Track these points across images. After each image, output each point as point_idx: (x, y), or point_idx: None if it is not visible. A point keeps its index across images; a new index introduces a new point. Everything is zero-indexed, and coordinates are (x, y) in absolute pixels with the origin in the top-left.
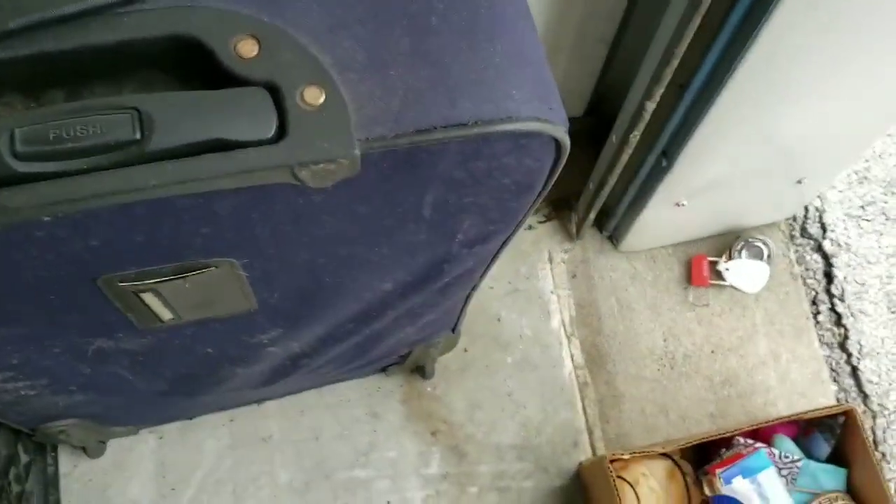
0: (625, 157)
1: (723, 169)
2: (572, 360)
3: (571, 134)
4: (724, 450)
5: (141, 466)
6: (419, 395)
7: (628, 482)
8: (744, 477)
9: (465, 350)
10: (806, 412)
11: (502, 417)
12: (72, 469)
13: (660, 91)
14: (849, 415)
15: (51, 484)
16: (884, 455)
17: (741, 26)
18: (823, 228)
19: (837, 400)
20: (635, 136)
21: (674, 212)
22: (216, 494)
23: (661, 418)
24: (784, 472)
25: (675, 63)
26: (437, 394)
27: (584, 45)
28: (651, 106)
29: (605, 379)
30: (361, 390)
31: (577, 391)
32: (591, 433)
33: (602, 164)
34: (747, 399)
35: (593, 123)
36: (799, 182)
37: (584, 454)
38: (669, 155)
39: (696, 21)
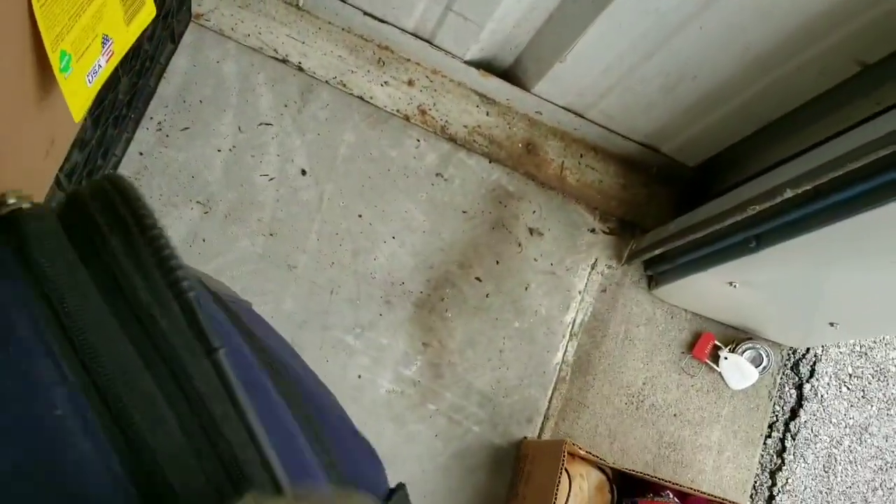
0: (728, 221)
1: (791, 278)
2: (565, 355)
3: (672, 178)
4: (650, 494)
5: (176, 227)
6: (431, 309)
7: (568, 474)
8: None
9: (487, 296)
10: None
11: (485, 366)
12: None
13: (807, 186)
14: None
15: None
16: None
17: None
18: (812, 373)
19: None
20: (754, 209)
21: (721, 288)
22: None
23: (606, 441)
24: None
25: (840, 172)
26: (447, 316)
27: (740, 115)
28: (789, 193)
29: (581, 385)
30: (387, 276)
31: (554, 381)
32: (546, 419)
33: (698, 215)
34: (681, 468)
35: (697, 179)
36: (832, 325)
37: (532, 433)
38: (762, 241)
39: (884, 152)
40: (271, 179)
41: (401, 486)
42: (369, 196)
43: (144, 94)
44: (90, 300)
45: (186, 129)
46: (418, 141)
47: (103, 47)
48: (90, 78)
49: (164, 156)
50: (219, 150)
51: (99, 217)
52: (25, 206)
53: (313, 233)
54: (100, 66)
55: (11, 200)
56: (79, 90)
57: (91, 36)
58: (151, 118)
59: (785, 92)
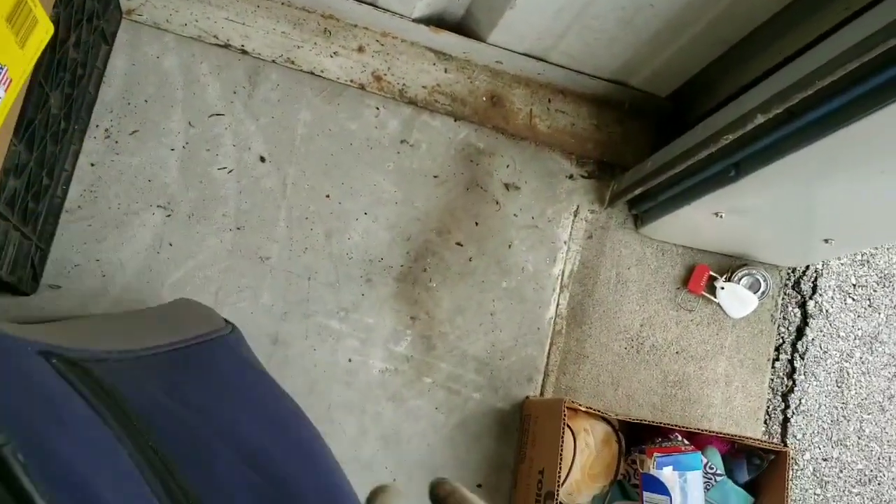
0: (703, 154)
1: (776, 200)
2: (557, 308)
3: (646, 111)
4: (659, 439)
5: (141, 235)
6: (414, 281)
7: (572, 431)
8: (674, 469)
9: (470, 259)
10: (746, 438)
11: (478, 331)
12: (75, 208)
13: (777, 110)
14: (781, 456)
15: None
16: None
17: (886, 86)
18: (814, 290)
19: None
20: (727, 139)
21: (708, 219)
22: (199, 288)
23: (610, 389)
24: (704, 479)
25: (811, 91)
26: (431, 286)
27: (704, 39)
28: (761, 119)
29: (578, 336)
30: (364, 255)
31: (550, 336)
32: (546, 376)
33: (673, 150)
34: (689, 405)
35: (671, 108)
36: (826, 241)
37: (534, 392)
38: (741, 169)
39: (854, 64)
40: (230, 171)
41: None
42: (334, 174)
43: (84, 102)
44: None
45: (136, 132)
46: (377, 109)
47: None
48: None
49: (116, 163)
50: (172, 150)
51: None
52: None
53: (282, 220)
54: None
55: None
56: None
57: None
58: (97, 126)
59: (749, 9)
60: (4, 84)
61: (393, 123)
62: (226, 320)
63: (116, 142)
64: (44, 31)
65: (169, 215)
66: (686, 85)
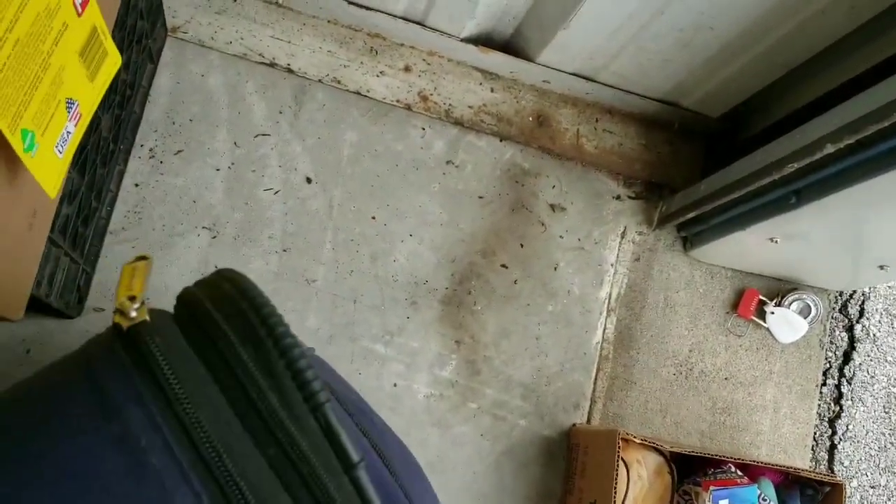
0: (764, 181)
1: (835, 227)
2: (604, 332)
3: (696, 131)
4: (711, 470)
5: (186, 257)
6: (459, 304)
7: (625, 462)
8: (730, 502)
9: (515, 282)
10: (800, 469)
11: (523, 355)
12: (120, 229)
13: (849, 140)
14: (837, 488)
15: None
16: None
17: None
18: (861, 313)
19: (809, 467)
20: (792, 167)
21: (761, 244)
22: None
23: (658, 417)
24: None
25: (886, 123)
26: (476, 309)
27: (764, 62)
28: (830, 149)
29: (626, 362)
30: (409, 277)
31: (597, 361)
32: (593, 403)
33: (731, 174)
34: (737, 432)
35: (722, 129)
36: (881, 268)
37: (581, 419)
38: (802, 196)
39: None
40: (276, 192)
41: None
42: (380, 195)
43: (131, 122)
44: (223, 419)
45: (180, 151)
46: (423, 129)
47: (69, 112)
48: (60, 148)
49: (161, 183)
50: (217, 170)
51: (226, 326)
52: (144, 318)
53: (328, 242)
54: (68, 132)
55: (133, 313)
56: (48, 165)
57: (53, 105)
58: (142, 146)
59: (812, 34)
60: (75, 119)
61: (439, 144)
62: None
63: (161, 162)
64: (113, 63)
65: (214, 237)
66: (740, 105)
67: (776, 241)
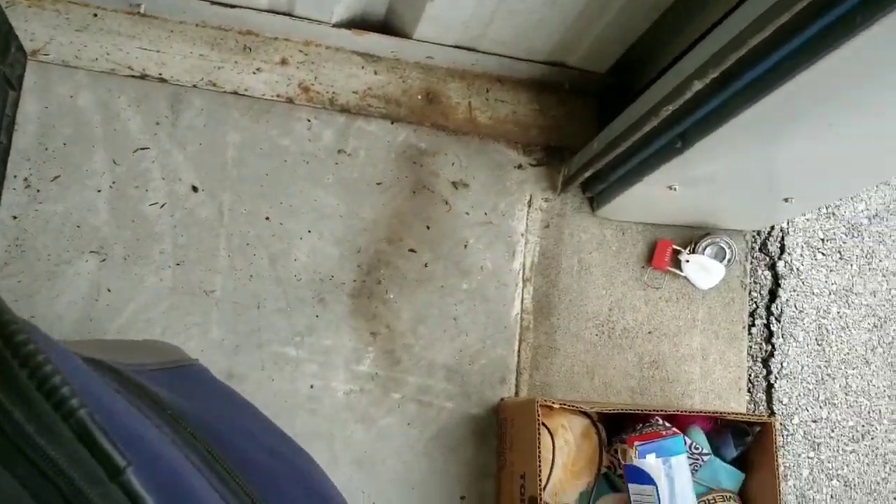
0: (646, 128)
1: (728, 166)
2: (522, 303)
3: (587, 89)
4: (640, 425)
5: (76, 285)
6: (370, 295)
7: (549, 429)
8: (657, 456)
9: (426, 265)
10: (728, 413)
11: (442, 338)
12: (2, 265)
13: (713, 74)
14: (767, 427)
15: None
16: None
17: (820, 36)
18: (782, 249)
19: (747, 409)
20: (667, 111)
21: (663, 193)
22: (143, 332)
23: (586, 380)
24: (690, 461)
25: (744, 51)
26: (389, 298)
27: (633, 7)
28: (698, 86)
29: (547, 329)
30: (313, 274)
31: (518, 333)
32: (519, 375)
33: (617, 127)
34: (668, 385)
35: (614, 83)
36: (786, 200)
37: (508, 392)
38: (687, 139)
39: (785, 17)
40: (163, 206)
41: None
42: (272, 194)
43: None
44: None
45: (57, 177)
46: (309, 121)
47: None
48: None
49: (41, 213)
50: (98, 191)
51: None
52: None
53: (222, 250)
54: None
55: None
56: None
57: None
58: (15, 176)
59: None
60: None
61: (327, 134)
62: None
63: (38, 190)
64: None
65: (103, 260)
66: (625, 57)
67: (675, 189)
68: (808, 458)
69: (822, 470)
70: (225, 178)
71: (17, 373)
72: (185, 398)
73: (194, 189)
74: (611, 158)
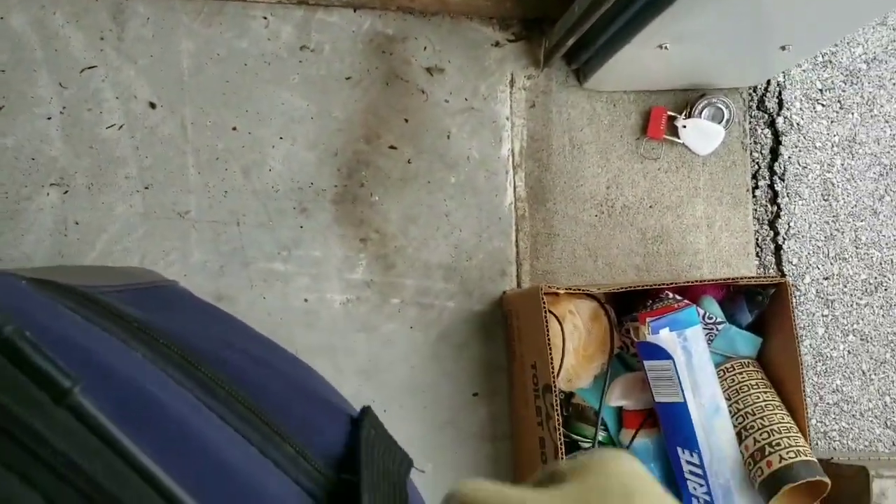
0: None
1: (720, 14)
2: (515, 191)
3: None
4: (650, 301)
5: (40, 221)
6: (354, 199)
7: (556, 316)
8: (671, 329)
9: (409, 162)
10: (739, 278)
11: (436, 236)
12: None
13: None
14: (781, 287)
15: None
16: None
17: None
18: (780, 105)
19: (757, 274)
20: None
21: (653, 54)
22: (120, 262)
23: (589, 262)
24: (705, 331)
25: None
26: (374, 200)
27: None
28: None
29: (543, 216)
30: (291, 183)
31: (514, 223)
32: (520, 266)
33: None
34: (674, 258)
35: None
36: (783, 49)
37: (510, 285)
38: None
39: None
40: (121, 128)
41: (364, 412)
42: (236, 102)
43: None
44: None
45: (1, 108)
46: (265, 18)
47: None
48: None
49: None
50: (49, 118)
51: None
52: None
53: (191, 167)
54: None
55: None
56: None
57: None
58: None
59: None
60: None
61: (286, 30)
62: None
63: None
64: None
65: (66, 192)
66: None
67: (666, 48)
68: (823, 315)
69: (838, 326)
70: (183, 91)
71: None
72: (158, 316)
73: (152, 105)
74: (595, 20)
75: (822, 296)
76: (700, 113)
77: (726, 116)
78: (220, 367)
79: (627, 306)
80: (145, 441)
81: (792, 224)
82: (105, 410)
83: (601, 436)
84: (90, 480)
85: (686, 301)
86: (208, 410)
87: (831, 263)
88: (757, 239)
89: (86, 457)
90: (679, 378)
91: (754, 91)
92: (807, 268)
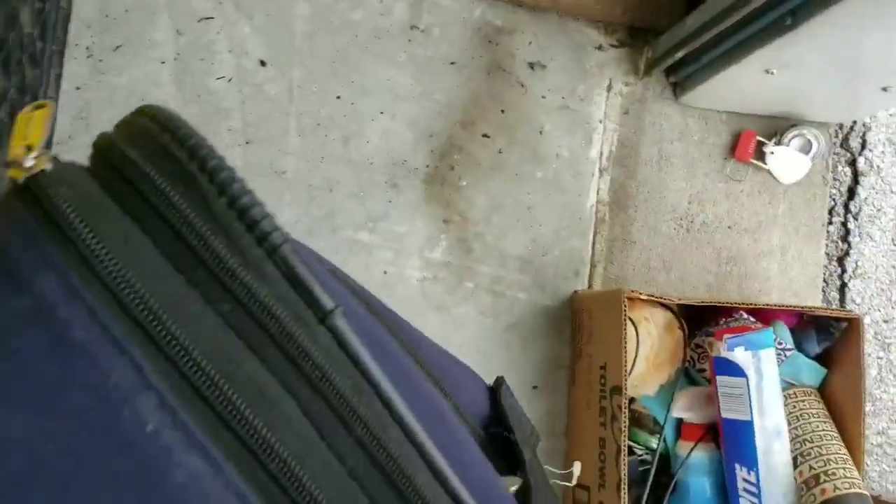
0: (757, 2)
1: (834, 48)
2: (598, 194)
3: None
4: (723, 319)
5: None
6: (443, 181)
7: (632, 321)
8: (746, 349)
9: (500, 152)
10: (816, 308)
11: (516, 228)
12: (66, 139)
13: None
14: (854, 323)
15: None
16: None
17: None
18: (863, 145)
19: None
20: None
21: (757, 77)
22: None
23: (662, 273)
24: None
25: None
26: (462, 185)
27: None
28: None
29: (623, 222)
30: (386, 158)
31: (593, 225)
32: (593, 267)
33: (715, 6)
34: (745, 281)
35: None
36: (884, 90)
37: (582, 285)
38: (798, 16)
39: None
40: (230, 80)
41: (501, 380)
42: (343, 72)
43: (59, 18)
44: (160, 276)
45: (119, 47)
46: None
47: None
48: None
49: (104, 84)
50: (163, 63)
51: (147, 166)
52: (47, 167)
53: (293, 129)
54: None
55: (29, 163)
56: None
57: None
58: (77, 45)
59: None
60: None
61: (400, 8)
62: None
63: (101, 60)
64: None
65: None
66: None
67: (772, 73)
68: (878, 357)
69: (891, 370)
70: (294, 54)
71: (214, 201)
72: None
73: (262, 63)
74: (708, 37)
75: (879, 338)
76: (789, 142)
77: (813, 149)
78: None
79: (697, 321)
80: (383, 371)
81: (860, 263)
82: (360, 338)
83: (658, 444)
84: (340, 395)
85: (761, 324)
86: (406, 359)
87: (893, 307)
88: (825, 274)
89: (338, 374)
90: (749, 397)
91: (840, 129)
92: (868, 308)
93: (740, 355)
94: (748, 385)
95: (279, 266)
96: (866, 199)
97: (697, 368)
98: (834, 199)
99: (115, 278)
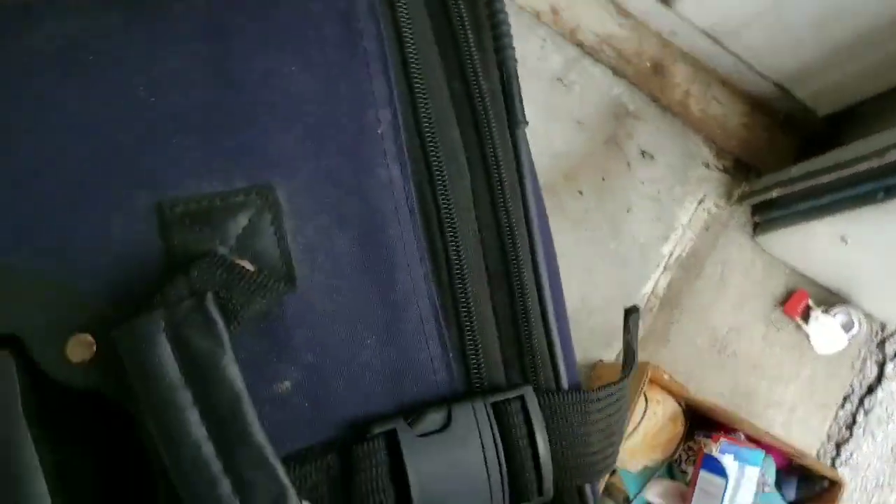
0: (861, 167)
1: None
2: (655, 286)
3: (798, 127)
4: (722, 432)
5: None
6: None
7: (645, 397)
8: (735, 458)
9: (587, 211)
10: (806, 457)
11: (571, 282)
12: None
13: None
14: (837, 486)
15: None
16: None
17: None
18: None
19: None
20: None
21: (831, 242)
22: None
23: (681, 380)
24: None
25: None
26: None
27: (889, 66)
28: None
29: (666, 319)
30: None
31: (640, 310)
32: None
33: (828, 159)
34: (751, 419)
35: (823, 132)
36: None
37: (609, 357)
38: (891, 193)
39: None
40: None
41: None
42: None
43: None
44: (427, 41)
45: None
46: (544, 41)
47: None
48: None
49: None
50: None
51: None
52: None
53: None
54: None
55: None
56: None
57: None
58: None
59: None
60: None
61: (555, 59)
62: None
63: None
64: None
65: None
66: (848, 109)
67: (846, 242)
68: None
69: None
70: None
71: (479, 3)
72: None
73: None
74: (804, 187)
75: None
76: (835, 315)
77: (855, 331)
78: None
79: (697, 425)
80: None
81: (855, 455)
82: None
83: None
84: (500, 183)
85: (756, 445)
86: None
87: None
88: (820, 449)
89: (506, 168)
90: (723, 500)
91: (882, 329)
92: (848, 501)
93: (728, 461)
94: (725, 488)
95: (502, 72)
96: (882, 401)
97: (681, 469)
98: (853, 388)
99: (403, 25)
